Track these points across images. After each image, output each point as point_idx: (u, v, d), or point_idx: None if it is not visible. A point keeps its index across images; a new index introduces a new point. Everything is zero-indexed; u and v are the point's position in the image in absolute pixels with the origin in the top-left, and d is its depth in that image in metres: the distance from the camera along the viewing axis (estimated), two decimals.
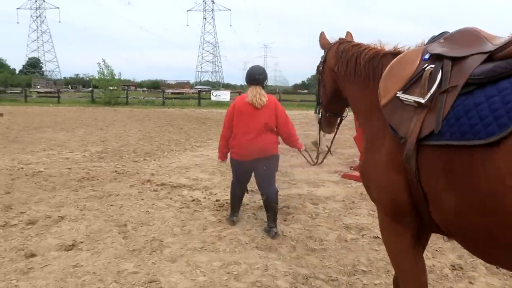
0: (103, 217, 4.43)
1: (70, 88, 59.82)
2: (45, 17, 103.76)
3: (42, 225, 4.14)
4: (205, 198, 5.26)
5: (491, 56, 1.54)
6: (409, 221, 1.72)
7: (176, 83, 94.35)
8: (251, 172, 4.12)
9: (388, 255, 1.94)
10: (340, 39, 2.51)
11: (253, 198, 5.26)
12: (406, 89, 1.72)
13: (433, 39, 1.85)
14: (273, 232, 3.98)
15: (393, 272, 3.19)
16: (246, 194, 4.50)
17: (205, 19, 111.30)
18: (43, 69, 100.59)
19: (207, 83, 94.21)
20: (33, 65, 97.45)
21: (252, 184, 5.90)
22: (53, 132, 11.91)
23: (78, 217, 4.40)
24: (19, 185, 5.70)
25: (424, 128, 1.55)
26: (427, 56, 1.75)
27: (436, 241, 3.94)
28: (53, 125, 13.95)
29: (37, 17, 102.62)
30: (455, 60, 1.63)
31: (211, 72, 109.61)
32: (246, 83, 4.13)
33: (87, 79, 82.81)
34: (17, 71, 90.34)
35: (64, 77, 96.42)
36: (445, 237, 1.73)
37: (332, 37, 2.56)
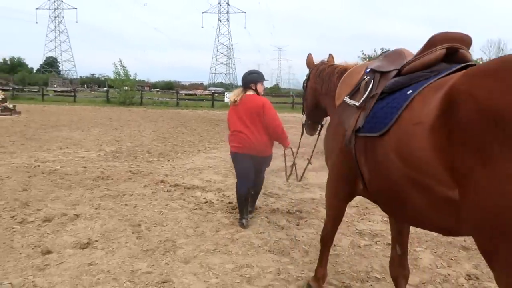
0: (117, 216, 4.49)
1: (86, 87, 60.72)
2: (63, 17, 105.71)
3: (58, 223, 4.23)
4: (218, 200, 5.29)
5: (399, 72, 2.11)
6: (346, 183, 2.43)
7: (190, 84, 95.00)
8: (250, 164, 4.34)
9: (326, 202, 2.83)
10: (322, 61, 3.23)
11: (266, 201, 5.28)
12: (351, 95, 2.34)
13: (379, 56, 2.47)
14: (241, 223, 4.33)
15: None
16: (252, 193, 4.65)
17: (220, 21, 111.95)
18: (60, 69, 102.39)
19: (220, 84, 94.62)
20: (50, 64, 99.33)
21: (266, 188, 5.92)
22: (69, 131, 12.12)
23: (93, 216, 4.47)
24: (35, 182, 5.82)
25: (357, 124, 2.14)
26: (368, 70, 2.33)
27: (451, 250, 3.89)
28: (69, 123, 14.19)
29: (55, 17, 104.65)
30: (382, 74, 2.21)
31: (225, 74, 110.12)
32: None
33: (103, 79, 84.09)
34: (34, 70, 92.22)
35: (80, 77, 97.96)
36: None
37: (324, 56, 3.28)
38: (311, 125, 3.55)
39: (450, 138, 1.49)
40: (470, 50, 2.04)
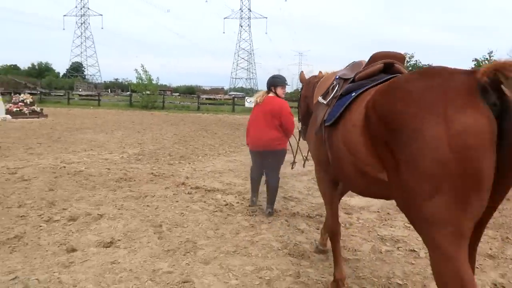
0: (139, 217, 4.58)
1: (109, 91, 62.16)
2: (89, 23, 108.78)
3: (83, 222, 4.34)
4: (238, 203, 5.32)
5: (353, 79, 2.64)
6: (324, 168, 2.88)
7: (210, 89, 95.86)
8: (261, 160, 4.92)
9: (319, 191, 3.18)
10: (313, 76, 3.96)
11: (286, 205, 5.27)
12: (323, 96, 2.92)
13: (348, 65, 3.04)
14: (267, 210, 4.82)
15: (430, 286, 3.11)
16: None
17: (241, 26, 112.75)
18: (85, 73, 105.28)
19: (241, 89, 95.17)
20: (76, 69, 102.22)
21: (287, 192, 5.92)
22: (93, 134, 12.43)
23: (116, 216, 4.57)
24: (61, 183, 6.00)
25: (324, 116, 2.67)
26: (336, 77, 2.90)
27: (477, 258, 3.79)
28: (93, 126, 14.56)
29: (81, 23, 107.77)
30: (345, 80, 2.75)
31: (245, 79, 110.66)
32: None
33: (126, 83, 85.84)
34: (61, 75, 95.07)
35: (104, 81, 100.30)
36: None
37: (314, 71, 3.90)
38: (305, 130, 3.92)
39: (371, 137, 2.02)
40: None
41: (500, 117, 1.60)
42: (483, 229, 2.04)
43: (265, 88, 5.06)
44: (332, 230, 3.10)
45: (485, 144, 1.59)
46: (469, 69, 1.81)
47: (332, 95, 2.76)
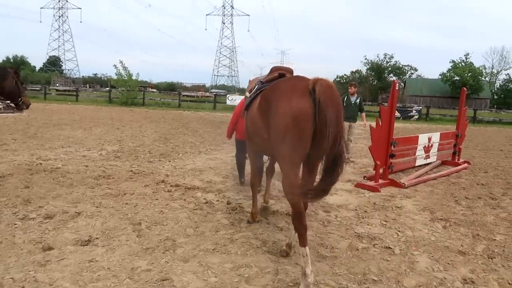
0: (118, 214, 4.54)
1: (88, 87, 60.89)
2: (67, 17, 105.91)
3: (59, 220, 4.28)
4: (218, 200, 5.34)
5: (262, 82, 3.99)
6: (250, 140, 4.08)
7: (192, 86, 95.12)
8: (243, 146, 5.70)
9: (248, 159, 4.54)
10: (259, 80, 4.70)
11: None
12: (250, 91, 4.15)
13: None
14: (240, 181, 6.20)
15: (404, 283, 3.22)
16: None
17: (224, 23, 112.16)
18: (62, 68, 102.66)
19: (223, 87, 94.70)
20: (53, 63, 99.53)
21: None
22: (71, 130, 12.19)
23: (94, 214, 4.52)
24: (37, 180, 5.88)
25: (246, 106, 4.05)
26: (259, 80, 4.17)
27: (448, 254, 3.93)
28: (71, 123, 14.26)
29: (59, 16, 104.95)
30: (262, 82, 4.01)
31: (227, 76, 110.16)
32: None
33: (105, 79, 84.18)
34: (37, 69, 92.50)
35: (83, 76, 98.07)
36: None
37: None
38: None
39: (261, 112, 3.42)
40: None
41: (315, 105, 2.92)
42: (316, 165, 3.26)
43: (246, 86, 5.30)
44: (252, 183, 4.61)
45: (308, 117, 2.94)
46: (310, 77, 3.13)
47: (253, 91, 4.06)
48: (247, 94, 4.33)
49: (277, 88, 3.26)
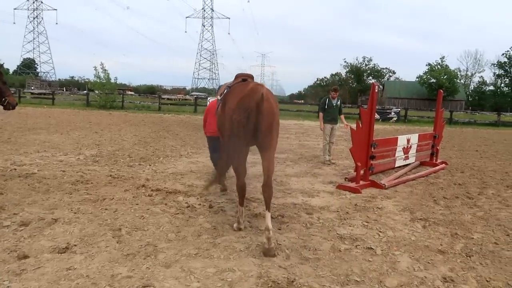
0: (97, 220, 4.44)
1: (65, 90, 59.55)
2: (42, 18, 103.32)
3: (35, 227, 4.15)
4: (200, 204, 5.30)
5: (230, 87, 4.67)
6: (223, 134, 4.57)
7: (172, 88, 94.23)
8: (216, 143, 5.86)
9: (231, 164, 4.41)
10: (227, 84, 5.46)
11: (248, 206, 5.30)
12: (221, 95, 4.83)
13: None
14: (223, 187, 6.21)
15: (386, 283, 3.26)
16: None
17: (204, 26, 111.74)
18: (38, 70, 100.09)
19: (203, 89, 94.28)
20: (28, 65, 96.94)
21: (249, 193, 5.95)
22: (47, 134, 11.89)
23: (72, 220, 4.41)
24: (12, 186, 5.70)
25: (217, 106, 4.83)
26: (228, 85, 4.82)
27: (428, 253, 4.01)
28: (47, 127, 13.91)
29: (34, 18, 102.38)
30: (229, 87, 4.67)
31: (208, 79, 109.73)
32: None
33: (83, 81, 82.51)
34: (11, 71, 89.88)
35: (59, 79, 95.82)
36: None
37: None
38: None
39: (222, 108, 4.39)
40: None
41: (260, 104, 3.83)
42: (266, 159, 4.16)
43: None
44: (222, 168, 4.86)
45: (254, 113, 3.81)
46: (257, 82, 4.47)
47: (223, 95, 4.76)
48: (218, 97, 5.18)
49: (232, 89, 4.49)
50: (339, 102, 9.31)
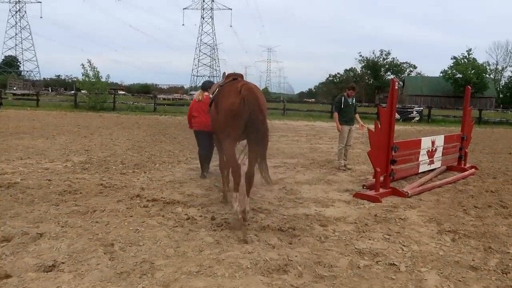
0: (87, 235, 4.44)
1: (50, 90, 60.05)
2: (25, 12, 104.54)
3: (19, 243, 4.16)
4: (201, 216, 5.29)
5: (222, 85, 5.78)
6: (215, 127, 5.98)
7: (169, 87, 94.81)
8: (208, 138, 7.33)
9: (224, 152, 5.70)
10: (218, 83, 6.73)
11: (255, 217, 5.28)
12: (213, 94, 6.05)
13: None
14: (202, 175, 7.69)
15: None
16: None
17: (203, 18, 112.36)
18: (20, 69, 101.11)
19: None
20: (10, 64, 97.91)
21: (256, 203, 5.93)
22: (31, 139, 11.97)
23: (59, 235, 4.41)
24: None
25: (209, 104, 6.05)
26: (219, 84, 6.04)
27: (459, 270, 3.96)
28: (31, 131, 14.01)
29: (16, 11, 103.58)
30: (221, 86, 5.75)
31: (208, 77, 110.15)
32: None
33: (70, 81, 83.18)
34: None
35: (44, 78, 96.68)
36: None
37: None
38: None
39: (215, 105, 5.56)
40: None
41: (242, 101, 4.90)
42: (254, 148, 5.03)
43: None
44: (221, 167, 6.24)
45: (240, 111, 4.86)
46: (246, 81, 5.66)
47: (214, 93, 5.85)
48: (210, 95, 6.39)
49: (223, 89, 5.48)
50: (354, 101, 9.29)
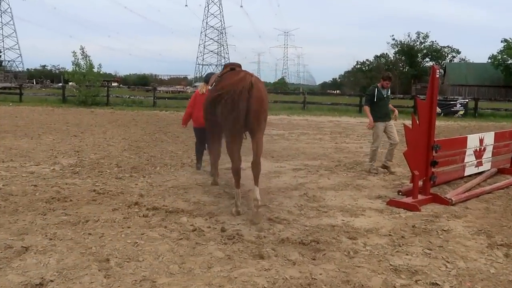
0: (78, 249, 4.49)
1: (35, 83, 60.98)
2: None
3: (1, 258, 4.22)
4: (209, 227, 5.31)
5: (220, 76, 6.92)
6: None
7: (170, 78, 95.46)
8: (204, 134, 8.10)
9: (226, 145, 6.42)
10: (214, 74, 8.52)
11: (272, 229, 5.28)
12: (211, 85, 7.06)
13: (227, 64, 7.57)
14: (197, 166, 8.88)
15: None
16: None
17: None
18: (1, 59, 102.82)
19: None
20: None
21: (272, 211, 5.94)
22: (13, 139, 12.16)
23: (47, 249, 4.47)
24: None
25: (208, 96, 6.91)
26: (218, 74, 7.39)
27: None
28: (13, 129, 14.23)
29: None
30: (219, 77, 6.83)
31: (216, 66, 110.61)
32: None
33: (57, 72, 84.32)
34: None
35: (28, 69, 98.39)
36: None
37: None
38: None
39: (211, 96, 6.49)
40: None
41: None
42: (255, 141, 5.93)
43: None
44: (210, 151, 7.64)
45: (240, 99, 5.63)
46: (246, 71, 6.49)
47: (213, 84, 6.73)
48: (209, 87, 7.25)
49: (223, 78, 6.40)
50: (389, 92, 9.18)
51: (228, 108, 5.73)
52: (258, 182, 5.92)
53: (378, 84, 9.08)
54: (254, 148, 5.93)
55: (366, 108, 9.21)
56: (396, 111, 9.32)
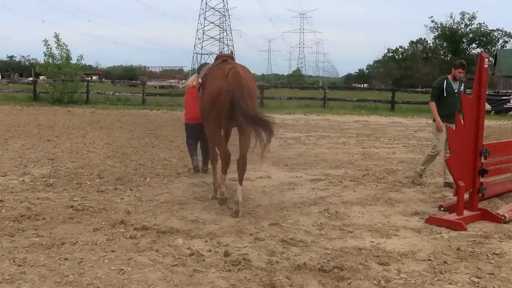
0: (53, 277, 4.50)
1: (0, 77, 61.53)
2: None
3: None
4: (210, 251, 5.31)
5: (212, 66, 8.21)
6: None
7: (162, 71, 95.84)
8: (198, 132, 8.90)
9: (209, 139, 7.83)
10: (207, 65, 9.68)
11: (286, 252, 5.28)
12: (202, 76, 8.17)
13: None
14: (203, 169, 9.51)
15: None
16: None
17: None
18: None
19: None
20: None
21: (287, 232, 5.94)
22: None
23: (15, 277, 4.48)
24: None
25: (199, 89, 8.11)
26: (209, 66, 8.37)
27: None
28: None
29: None
30: (210, 69, 7.90)
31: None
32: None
33: (27, 63, 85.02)
34: None
35: None
36: None
37: None
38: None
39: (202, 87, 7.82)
40: None
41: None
42: (243, 135, 6.90)
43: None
44: (212, 159, 8.01)
45: (224, 97, 6.70)
46: (236, 62, 7.81)
47: (203, 74, 7.87)
48: (200, 80, 8.16)
49: (211, 71, 7.43)
50: (462, 86, 9.01)
51: (212, 102, 6.89)
52: (242, 181, 6.87)
53: (449, 76, 8.94)
54: (242, 143, 6.82)
55: (432, 105, 8.99)
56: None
